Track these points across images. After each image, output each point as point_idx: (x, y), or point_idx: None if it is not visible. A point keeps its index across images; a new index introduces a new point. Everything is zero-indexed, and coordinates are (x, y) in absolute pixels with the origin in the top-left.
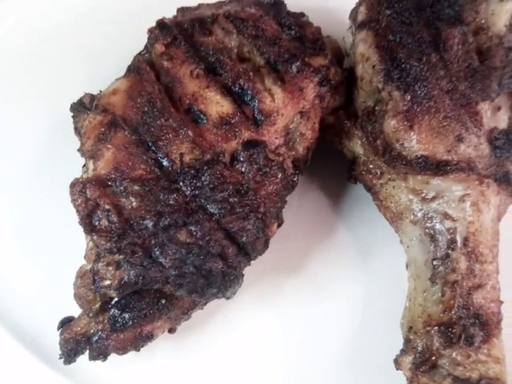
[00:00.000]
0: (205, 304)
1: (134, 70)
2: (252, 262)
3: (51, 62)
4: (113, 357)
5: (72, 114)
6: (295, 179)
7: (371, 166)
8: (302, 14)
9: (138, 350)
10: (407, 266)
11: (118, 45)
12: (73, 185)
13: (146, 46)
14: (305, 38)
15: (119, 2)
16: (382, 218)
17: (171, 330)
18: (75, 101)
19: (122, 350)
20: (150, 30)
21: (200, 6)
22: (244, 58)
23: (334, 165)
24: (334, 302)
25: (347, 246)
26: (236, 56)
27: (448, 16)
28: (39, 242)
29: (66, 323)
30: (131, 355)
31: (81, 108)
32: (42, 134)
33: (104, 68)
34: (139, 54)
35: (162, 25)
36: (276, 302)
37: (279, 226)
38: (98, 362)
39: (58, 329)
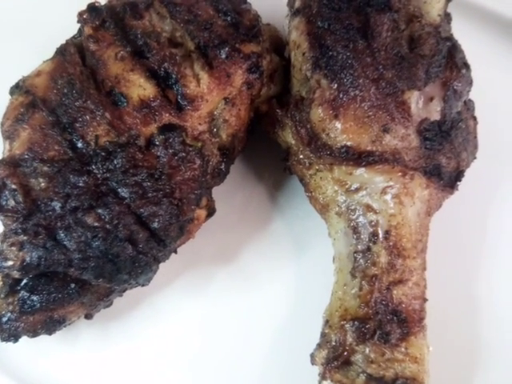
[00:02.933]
0: (123, 291)
1: (60, 52)
2: (182, 251)
3: None
4: (35, 343)
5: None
6: (222, 167)
7: (301, 157)
8: (244, 1)
9: (51, 334)
10: (334, 260)
11: (59, 28)
12: None
13: (78, 30)
14: (240, 25)
15: None
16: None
17: (88, 316)
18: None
19: (33, 332)
20: (80, 13)
21: None
22: (177, 43)
23: (272, 155)
24: (264, 293)
25: (281, 238)
26: (166, 40)
27: (377, 2)
28: None
29: None
30: (54, 342)
31: (17, 91)
32: None
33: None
34: (72, 37)
35: (91, 8)
36: (206, 292)
37: (210, 215)
38: (21, 348)
39: None
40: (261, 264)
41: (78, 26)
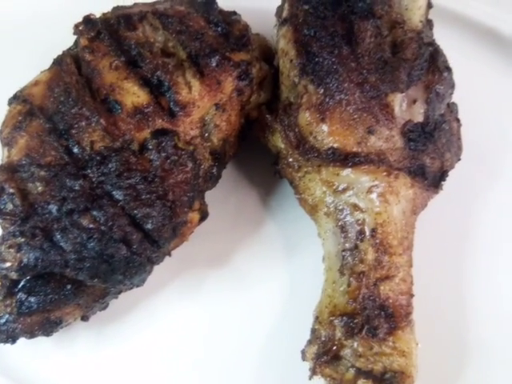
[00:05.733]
0: (118, 293)
1: (56, 62)
2: (177, 254)
3: None
4: (32, 345)
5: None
6: (213, 171)
7: (290, 160)
8: (234, 13)
9: (48, 335)
10: (323, 259)
11: (57, 41)
12: None
13: (75, 42)
14: (231, 35)
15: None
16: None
17: (84, 318)
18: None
19: (30, 333)
20: (76, 25)
21: (135, 4)
22: (169, 53)
23: (263, 160)
24: (257, 293)
25: (273, 240)
26: (159, 50)
27: (361, 10)
28: None
29: None
30: (52, 345)
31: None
32: None
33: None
34: (69, 48)
35: (87, 20)
36: (200, 294)
37: (203, 218)
38: (19, 350)
39: None
40: (254, 265)
41: (75, 37)
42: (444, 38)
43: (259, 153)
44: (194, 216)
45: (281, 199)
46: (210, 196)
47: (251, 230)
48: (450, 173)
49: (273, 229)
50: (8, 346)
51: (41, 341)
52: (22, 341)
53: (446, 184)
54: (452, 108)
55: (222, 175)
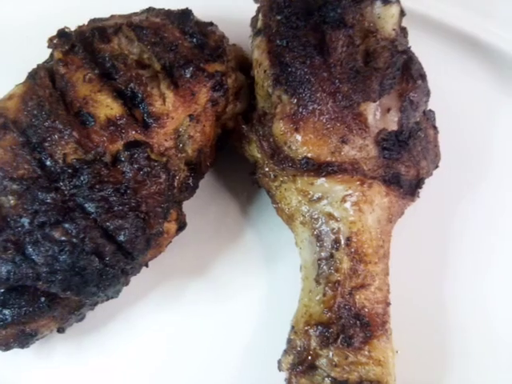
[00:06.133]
0: (94, 304)
1: (31, 76)
2: (155, 265)
3: None
4: (10, 357)
5: None
6: (189, 181)
7: (266, 169)
8: (210, 24)
9: (23, 347)
10: (301, 268)
11: (33, 55)
12: None
13: (50, 55)
14: (206, 46)
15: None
16: None
17: (60, 330)
18: None
19: (5, 346)
20: (51, 39)
21: (112, 16)
22: (145, 65)
23: (243, 169)
24: (236, 303)
25: (253, 249)
26: (133, 62)
27: (332, 19)
28: None
29: None
30: (30, 357)
31: None
32: None
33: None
34: (43, 62)
35: (61, 33)
36: (179, 304)
37: (181, 228)
38: None
39: None
40: (233, 275)
41: (50, 51)
42: (420, 45)
43: (238, 162)
44: (171, 226)
45: (260, 208)
46: (188, 206)
47: (230, 240)
48: (429, 180)
49: (252, 238)
50: None
51: (18, 352)
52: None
53: (424, 191)
54: (428, 115)
55: (201, 185)
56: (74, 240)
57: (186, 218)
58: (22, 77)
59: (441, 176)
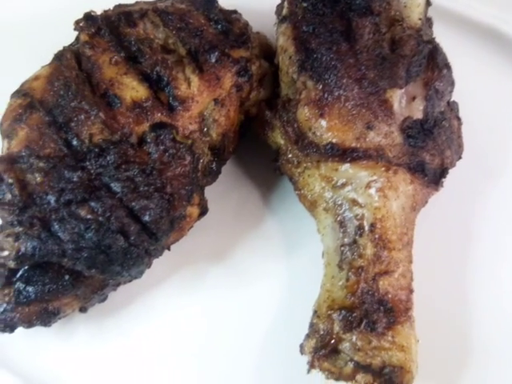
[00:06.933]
0: (117, 285)
1: (57, 57)
2: (176, 250)
3: None
4: (31, 337)
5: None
6: (213, 166)
7: (290, 156)
8: (234, 11)
9: (46, 326)
10: (323, 255)
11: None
12: None
13: (76, 38)
14: (230, 32)
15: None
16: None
17: (82, 309)
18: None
19: (28, 323)
20: (77, 22)
21: (137, 2)
22: (169, 50)
23: (264, 157)
24: (256, 289)
25: (273, 236)
26: (159, 47)
27: (359, 7)
28: None
29: None
30: (51, 337)
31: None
32: None
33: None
34: (69, 45)
35: (87, 16)
36: (199, 289)
37: (203, 214)
38: (18, 342)
39: None
40: (253, 261)
41: (75, 35)
42: (444, 37)
43: (260, 150)
44: (194, 211)
45: (281, 196)
46: (210, 192)
47: (251, 226)
48: (451, 171)
49: (273, 225)
50: (7, 337)
51: (40, 333)
52: (21, 332)
53: (447, 182)
54: (452, 106)
55: (223, 172)
56: (100, 218)
57: (208, 205)
58: (47, 60)
59: (463, 167)
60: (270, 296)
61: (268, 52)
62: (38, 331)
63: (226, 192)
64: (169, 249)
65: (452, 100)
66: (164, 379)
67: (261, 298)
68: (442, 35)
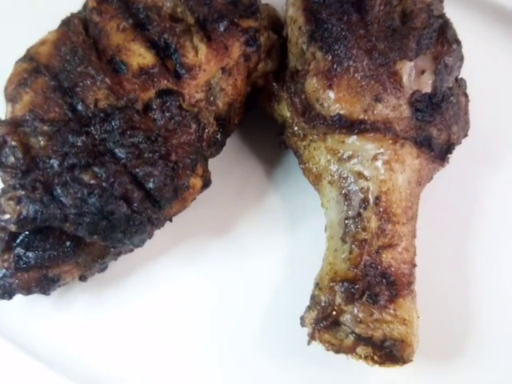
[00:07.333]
0: (118, 254)
1: (64, 23)
2: (177, 222)
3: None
4: (30, 307)
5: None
6: (218, 137)
7: (296, 128)
8: None
9: (45, 294)
10: (325, 229)
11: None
12: None
13: (83, 6)
14: (239, 2)
15: None
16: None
17: (82, 278)
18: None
19: (27, 290)
20: None
21: None
22: (177, 19)
23: (269, 131)
24: (258, 262)
25: (276, 211)
26: (167, 14)
27: None
28: None
29: None
30: (50, 307)
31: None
32: None
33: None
34: (77, 12)
35: None
36: (200, 262)
37: (206, 186)
38: (17, 312)
39: None
40: (256, 235)
41: (83, 2)
42: (452, 13)
43: (264, 124)
44: (197, 182)
45: (285, 171)
46: (213, 165)
47: (254, 200)
48: (457, 148)
49: (276, 199)
50: (6, 306)
51: (39, 302)
52: (20, 301)
53: (452, 159)
54: (460, 83)
55: (227, 146)
56: (104, 184)
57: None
58: (54, 26)
59: (468, 145)
60: (271, 269)
61: (276, 24)
62: (37, 300)
63: (230, 166)
64: (171, 220)
65: (460, 77)
66: (162, 350)
67: (262, 272)
68: (452, 11)
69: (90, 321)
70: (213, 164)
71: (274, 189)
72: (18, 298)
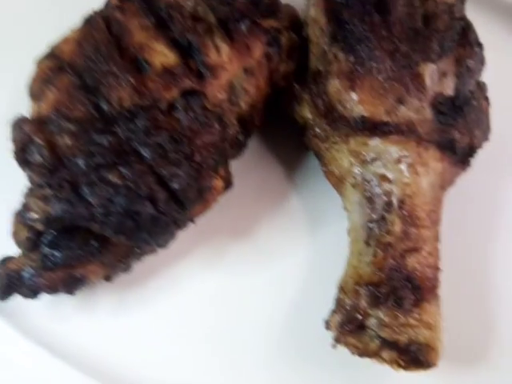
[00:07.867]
0: (141, 255)
1: (86, 21)
2: (199, 224)
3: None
4: (54, 308)
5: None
6: (240, 138)
7: (317, 130)
8: None
9: (71, 293)
10: (348, 232)
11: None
12: (14, 122)
13: (105, 4)
14: (260, 3)
15: None
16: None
17: (107, 278)
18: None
19: (53, 289)
20: None
21: None
22: (199, 18)
23: (290, 134)
24: (279, 266)
25: (297, 214)
26: (189, 14)
27: None
28: None
29: (5, 261)
30: (73, 308)
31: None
32: (7, 89)
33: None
34: (98, 10)
35: None
36: (222, 265)
37: (227, 187)
38: (41, 312)
39: None
40: (277, 238)
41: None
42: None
43: (285, 126)
44: (219, 183)
45: (305, 173)
46: (234, 168)
47: (275, 203)
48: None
49: (297, 202)
50: (30, 307)
51: (62, 303)
52: (44, 302)
53: (474, 163)
54: (481, 87)
55: (247, 148)
56: (129, 184)
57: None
58: (75, 24)
59: (489, 150)
60: (293, 273)
61: (297, 25)
62: (61, 302)
63: (250, 168)
64: (193, 221)
65: (481, 81)
66: (186, 352)
67: (284, 275)
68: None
69: (114, 322)
70: (233, 166)
71: (295, 191)
72: (43, 299)
